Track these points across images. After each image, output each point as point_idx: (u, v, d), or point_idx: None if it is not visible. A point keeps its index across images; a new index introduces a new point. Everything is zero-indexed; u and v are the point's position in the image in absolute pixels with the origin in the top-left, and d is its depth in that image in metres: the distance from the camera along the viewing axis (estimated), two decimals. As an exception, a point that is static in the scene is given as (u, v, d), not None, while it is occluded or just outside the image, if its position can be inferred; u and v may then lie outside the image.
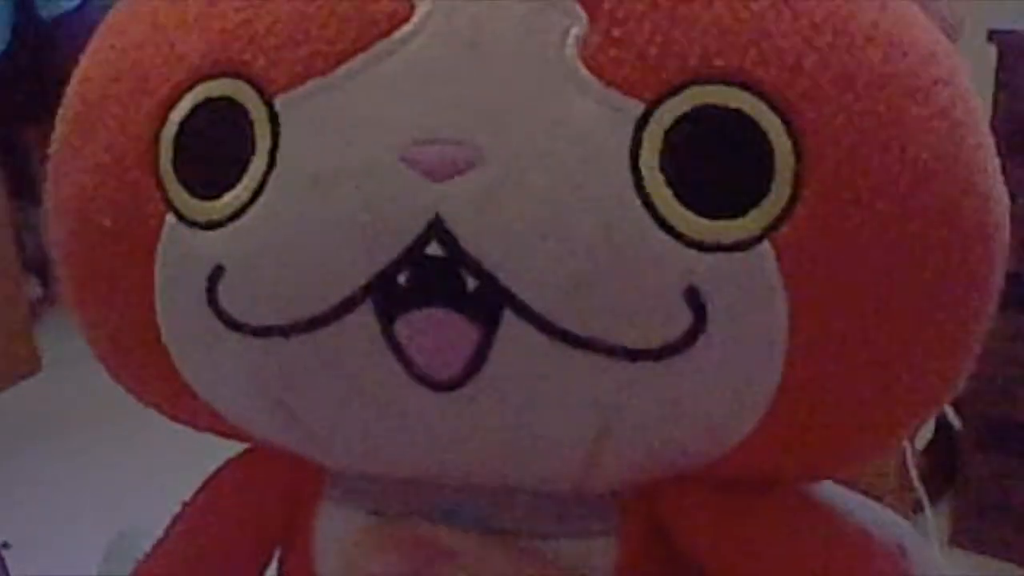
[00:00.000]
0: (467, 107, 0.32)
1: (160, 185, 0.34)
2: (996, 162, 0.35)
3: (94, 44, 0.38)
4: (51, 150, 0.38)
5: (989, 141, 0.35)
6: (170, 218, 0.34)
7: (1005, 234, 0.35)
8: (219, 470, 0.41)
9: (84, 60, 0.38)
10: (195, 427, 0.40)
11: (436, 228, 0.31)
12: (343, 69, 0.32)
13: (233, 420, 0.37)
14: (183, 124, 0.34)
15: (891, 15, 0.34)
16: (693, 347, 0.31)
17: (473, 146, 0.31)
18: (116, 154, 0.35)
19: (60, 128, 0.37)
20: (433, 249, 0.31)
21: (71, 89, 0.37)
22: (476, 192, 0.31)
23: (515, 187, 0.31)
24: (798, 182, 0.31)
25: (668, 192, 0.31)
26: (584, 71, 0.32)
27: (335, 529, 0.38)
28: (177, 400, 0.38)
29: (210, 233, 0.33)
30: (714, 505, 0.36)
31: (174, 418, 0.40)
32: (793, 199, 0.31)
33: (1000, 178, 0.35)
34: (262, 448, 0.39)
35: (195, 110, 0.34)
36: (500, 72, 0.32)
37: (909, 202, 0.32)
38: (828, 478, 0.38)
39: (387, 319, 0.32)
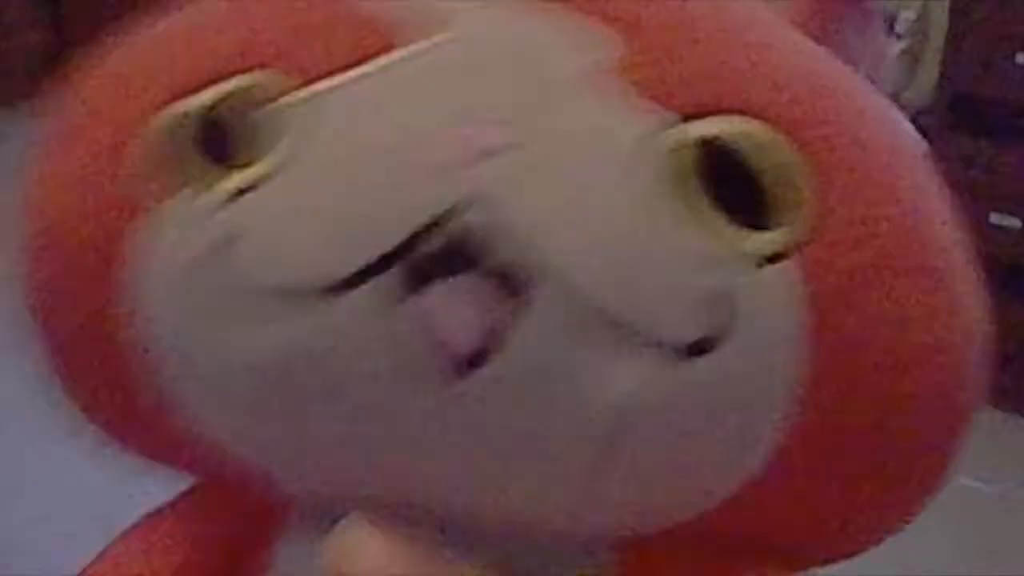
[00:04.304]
0: (506, 99, 0.31)
1: (179, 160, 0.33)
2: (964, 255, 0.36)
3: (116, 46, 0.37)
4: (45, 134, 0.37)
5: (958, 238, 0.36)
6: (185, 193, 0.33)
7: (984, 324, 0.36)
8: (154, 512, 0.39)
9: (94, 66, 0.37)
10: (149, 456, 0.38)
11: (474, 198, 0.30)
12: (382, 60, 0.32)
13: (209, 425, 0.35)
14: (211, 106, 0.33)
15: (889, 112, 0.37)
16: (715, 352, 0.31)
17: (512, 129, 0.31)
18: (129, 129, 0.34)
19: (62, 111, 0.37)
20: (470, 217, 0.30)
21: (80, 83, 0.37)
22: (514, 169, 0.30)
23: (554, 171, 0.31)
24: (821, 215, 0.32)
25: (702, 195, 0.31)
26: (622, 83, 0.32)
27: (298, 569, 0.36)
28: (139, 419, 0.35)
29: (231, 203, 0.32)
30: (703, 568, 0.36)
31: (125, 445, 0.38)
32: (817, 229, 0.32)
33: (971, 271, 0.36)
34: (209, 490, 0.37)
35: (225, 97, 0.33)
36: (541, 75, 0.32)
37: (913, 261, 0.34)
38: (828, 559, 0.37)
39: (415, 284, 0.30)
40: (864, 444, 0.33)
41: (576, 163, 0.31)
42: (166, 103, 0.34)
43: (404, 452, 0.33)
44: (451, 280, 0.30)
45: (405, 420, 0.32)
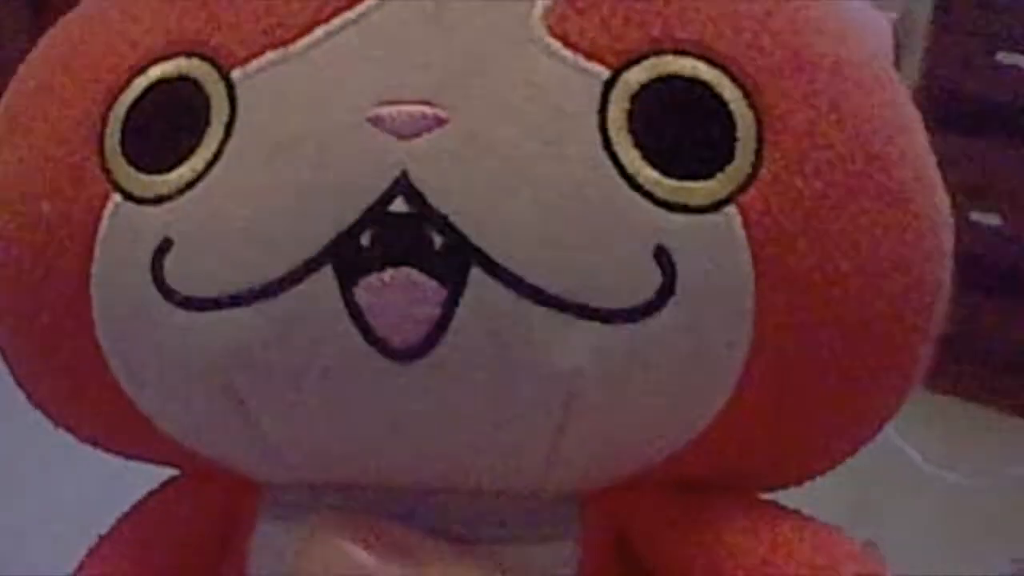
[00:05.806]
0: (432, 70, 0.32)
1: (105, 166, 0.33)
2: (937, 169, 0.36)
3: (38, 46, 0.37)
4: None
5: (929, 150, 0.36)
6: (116, 197, 0.33)
7: (951, 235, 0.36)
8: (138, 504, 0.39)
9: (26, 61, 0.37)
10: (122, 454, 0.38)
11: (402, 185, 0.30)
12: (303, 41, 0.32)
13: (168, 427, 0.35)
14: (134, 103, 0.33)
15: (838, 14, 0.36)
16: (663, 309, 0.31)
17: (440, 105, 0.31)
18: (59, 137, 0.34)
19: None
20: (398, 206, 0.30)
21: (11, 84, 0.37)
22: (443, 148, 0.31)
23: (483, 143, 0.31)
24: (760, 151, 0.32)
25: (636, 153, 0.32)
26: (550, 37, 0.32)
27: (273, 545, 0.36)
28: (104, 416, 0.36)
29: (158, 207, 0.32)
30: (674, 508, 0.36)
31: (94, 441, 0.38)
32: (756, 166, 0.32)
33: (942, 185, 0.36)
34: (190, 477, 0.37)
35: (147, 90, 0.33)
36: (465, 38, 0.32)
37: (864, 180, 0.33)
38: (788, 484, 0.38)
39: (349, 282, 0.30)
40: (825, 369, 0.33)
41: (504, 133, 0.31)
42: (97, 96, 0.34)
43: (365, 439, 0.33)
44: (384, 273, 0.30)
45: (361, 410, 0.32)
